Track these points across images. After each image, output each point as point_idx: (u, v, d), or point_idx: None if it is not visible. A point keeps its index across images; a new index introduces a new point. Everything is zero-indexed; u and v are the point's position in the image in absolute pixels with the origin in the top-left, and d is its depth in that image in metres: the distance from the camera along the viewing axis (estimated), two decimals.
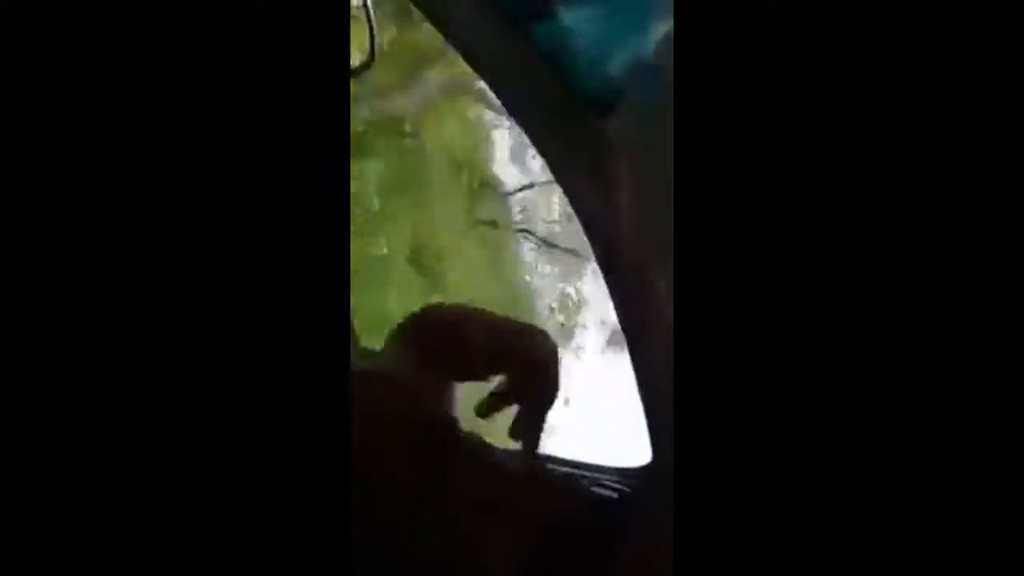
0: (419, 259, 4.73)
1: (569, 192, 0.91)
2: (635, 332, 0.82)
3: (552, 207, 5.50)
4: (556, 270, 5.78)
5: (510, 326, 0.67)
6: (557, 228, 5.55)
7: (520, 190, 5.52)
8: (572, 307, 5.73)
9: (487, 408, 0.67)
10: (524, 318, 0.73)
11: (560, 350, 0.67)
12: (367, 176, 4.32)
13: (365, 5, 0.98)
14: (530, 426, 0.64)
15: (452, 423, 0.60)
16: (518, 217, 5.66)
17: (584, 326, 5.72)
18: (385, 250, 4.44)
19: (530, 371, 0.64)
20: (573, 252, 5.39)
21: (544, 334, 0.66)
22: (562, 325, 5.61)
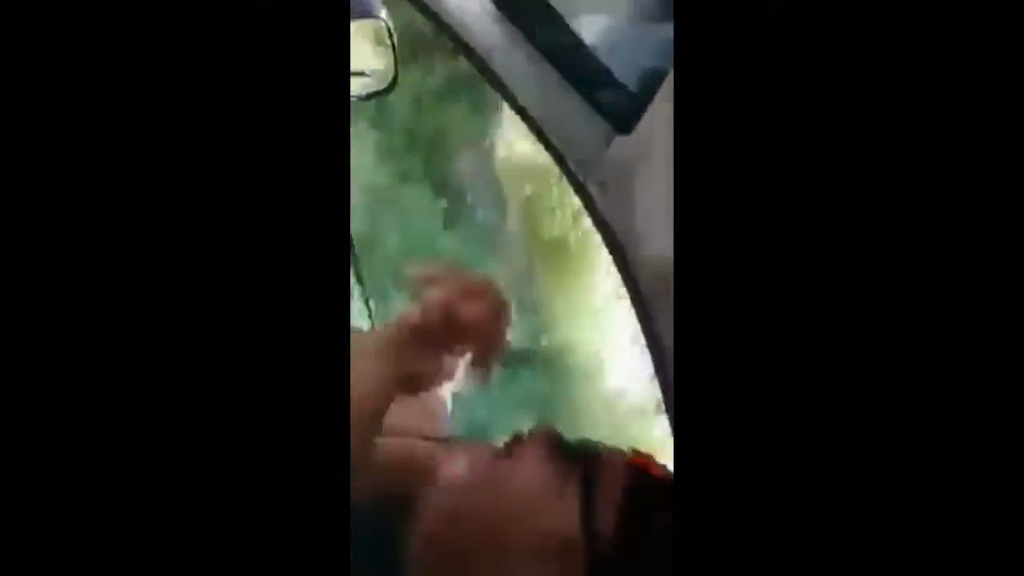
0: None
1: (589, 204, 0.93)
2: (655, 337, 0.84)
3: None
4: None
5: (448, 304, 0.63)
6: None
7: None
8: None
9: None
10: None
11: None
12: None
13: (388, 28, 1.01)
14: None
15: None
16: None
17: None
18: None
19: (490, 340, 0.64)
20: None
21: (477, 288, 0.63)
22: None
